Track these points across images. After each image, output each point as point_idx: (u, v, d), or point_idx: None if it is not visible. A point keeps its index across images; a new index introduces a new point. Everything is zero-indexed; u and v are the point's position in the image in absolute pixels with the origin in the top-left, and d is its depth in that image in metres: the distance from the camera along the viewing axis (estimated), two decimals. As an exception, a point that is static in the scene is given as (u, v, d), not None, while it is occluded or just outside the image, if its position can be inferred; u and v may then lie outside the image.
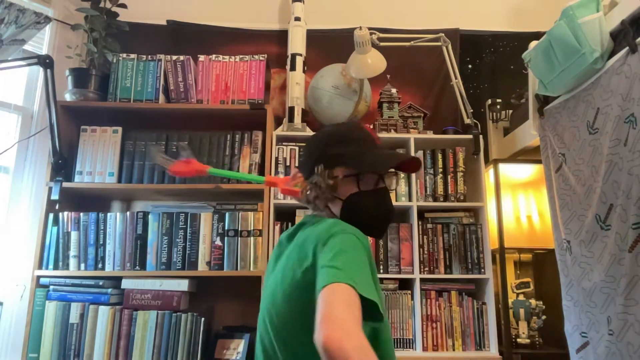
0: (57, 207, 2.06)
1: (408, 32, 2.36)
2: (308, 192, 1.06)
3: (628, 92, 1.44)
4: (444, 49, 2.27)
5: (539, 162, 2.09)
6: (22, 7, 2.04)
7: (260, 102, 2.21)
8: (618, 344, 1.41)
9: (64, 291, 1.99)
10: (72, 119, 2.20)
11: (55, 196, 2.02)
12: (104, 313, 1.97)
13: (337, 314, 0.73)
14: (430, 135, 2.28)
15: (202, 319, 1.97)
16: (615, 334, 1.43)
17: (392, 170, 1.09)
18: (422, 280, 2.10)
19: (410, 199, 2.18)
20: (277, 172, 2.16)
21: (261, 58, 2.28)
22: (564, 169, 1.80)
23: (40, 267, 2.00)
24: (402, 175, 1.10)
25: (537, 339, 2.19)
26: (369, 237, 1.01)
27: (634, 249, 1.37)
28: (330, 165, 1.04)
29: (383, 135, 2.24)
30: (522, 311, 2.20)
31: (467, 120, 2.27)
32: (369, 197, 1.03)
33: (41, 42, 2.34)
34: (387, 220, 1.06)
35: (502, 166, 2.26)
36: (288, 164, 2.18)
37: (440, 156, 2.23)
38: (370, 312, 0.80)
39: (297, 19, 2.43)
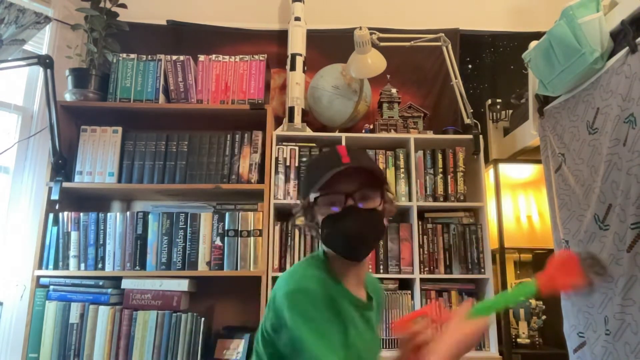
0: (57, 207, 2.06)
1: (408, 32, 2.36)
2: None
3: (628, 92, 1.44)
4: (444, 49, 2.26)
5: (539, 162, 2.09)
6: (22, 7, 2.04)
7: (260, 102, 2.21)
8: (615, 344, 1.41)
9: (64, 291, 2.00)
10: (72, 119, 2.20)
11: (55, 196, 2.03)
12: (104, 313, 1.97)
13: None
14: (430, 135, 2.28)
15: (202, 319, 1.97)
16: (612, 334, 1.43)
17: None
18: (422, 280, 2.10)
19: (410, 199, 2.18)
20: (277, 172, 2.16)
21: (261, 58, 2.28)
22: (564, 169, 1.80)
23: (40, 267, 2.00)
24: (380, 188, 1.01)
25: (537, 339, 2.19)
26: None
27: (632, 249, 1.37)
28: (303, 194, 1.04)
29: (383, 135, 2.24)
30: (522, 311, 2.20)
31: (467, 120, 2.27)
32: (328, 222, 0.98)
33: (41, 42, 2.34)
34: (352, 243, 0.97)
35: (502, 166, 2.26)
36: (288, 164, 2.18)
37: (440, 156, 2.23)
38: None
39: (297, 19, 2.43)
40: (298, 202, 1.07)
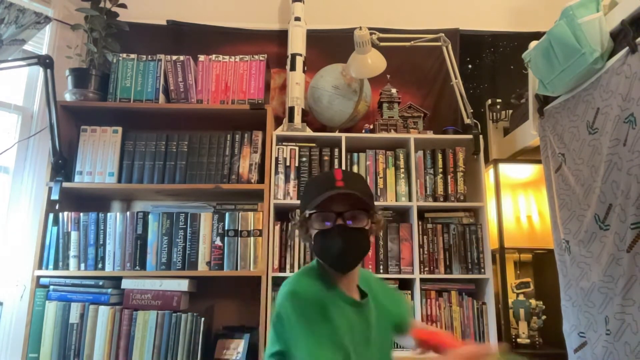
0: (57, 207, 2.06)
1: (408, 32, 2.36)
2: None
3: (628, 92, 1.44)
4: (444, 49, 2.26)
5: (539, 162, 2.09)
6: (22, 7, 2.04)
7: (260, 102, 2.21)
8: (615, 344, 1.41)
9: (64, 291, 2.00)
10: (72, 119, 2.20)
11: (55, 196, 2.03)
12: (104, 313, 1.97)
13: None
14: (430, 135, 2.28)
15: (202, 319, 1.97)
16: (612, 334, 1.43)
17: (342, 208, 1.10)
18: (422, 280, 2.10)
19: (410, 199, 2.18)
20: (277, 172, 2.16)
21: (261, 58, 2.28)
22: (564, 169, 1.80)
23: (40, 267, 2.00)
24: (365, 212, 1.11)
25: (537, 339, 2.19)
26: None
27: (632, 249, 1.37)
28: (300, 209, 1.15)
29: (383, 135, 2.24)
30: (522, 311, 2.20)
31: (467, 120, 2.27)
32: (320, 237, 1.09)
33: (41, 42, 2.34)
34: (340, 258, 1.07)
35: (502, 166, 2.26)
36: (288, 164, 2.18)
37: (440, 156, 2.23)
38: None
39: (297, 19, 2.43)
40: (297, 213, 1.17)
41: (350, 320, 1.08)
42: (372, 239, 1.16)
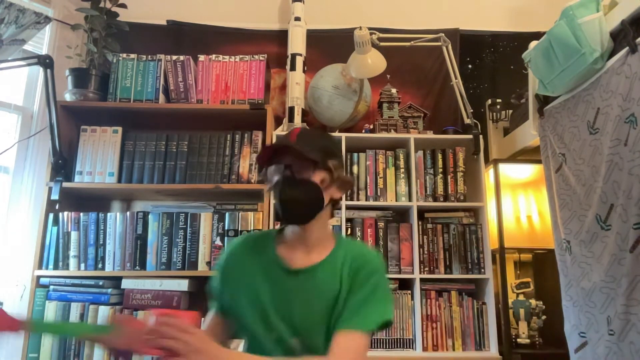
0: (57, 207, 2.06)
1: (408, 32, 2.36)
2: None
3: (628, 92, 1.44)
4: (444, 49, 2.26)
5: (539, 162, 2.09)
6: (22, 7, 2.04)
7: (260, 102, 2.21)
8: (619, 344, 1.41)
9: (64, 291, 1.99)
10: (72, 119, 2.20)
11: (55, 196, 2.02)
12: (104, 313, 1.97)
13: None
14: (430, 135, 2.28)
15: (202, 319, 1.97)
16: (616, 334, 1.43)
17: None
18: (422, 280, 2.09)
19: (410, 199, 2.18)
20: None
21: (261, 58, 2.28)
22: (564, 169, 1.80)
23: (40, 267, 2.00)
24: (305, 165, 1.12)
25: (537, 339, 2.19)
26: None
27: (635, 249, 1.37)
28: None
29: (383, 135, 2.24)
30: (522, 311, 2.20)
31: (467, 120, 2.27)
32: (272, 191, 1.14)
33: (41, 42, 2.34)
34: (284, 209, 1.11)
35: (502, 166, 2.26)
36: (288, 164, 2.18)
37: (440, 156, 2.23)
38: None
39: (297, 19, 2.43)
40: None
41: (273, 282, 1.16)
42: (334, 195, 1.16)
